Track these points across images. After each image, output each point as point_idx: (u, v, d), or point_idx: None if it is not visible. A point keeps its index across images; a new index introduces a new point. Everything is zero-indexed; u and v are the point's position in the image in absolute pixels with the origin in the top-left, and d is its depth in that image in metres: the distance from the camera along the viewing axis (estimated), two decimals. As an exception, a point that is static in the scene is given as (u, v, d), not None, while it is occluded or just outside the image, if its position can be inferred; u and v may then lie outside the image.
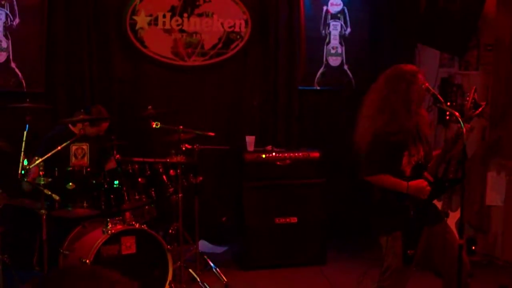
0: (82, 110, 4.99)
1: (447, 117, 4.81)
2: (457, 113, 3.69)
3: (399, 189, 3.79)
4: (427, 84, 3.88)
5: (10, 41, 5.76)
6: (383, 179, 3.83)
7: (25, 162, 4.30)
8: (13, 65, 5.78)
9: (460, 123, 3.64)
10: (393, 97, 3.84)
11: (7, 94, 5.71)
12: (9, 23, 5.75)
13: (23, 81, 5.82)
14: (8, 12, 5.74)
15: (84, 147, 5.00)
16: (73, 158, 4.95)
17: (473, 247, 6.09)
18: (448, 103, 3.85)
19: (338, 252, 6.31)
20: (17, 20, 5.77)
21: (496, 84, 6.21)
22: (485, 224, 6.25)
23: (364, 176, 3.89)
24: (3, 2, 5.72)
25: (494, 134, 6.19)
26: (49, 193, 4.31)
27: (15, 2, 5.75)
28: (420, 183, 3.80)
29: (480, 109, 3.82)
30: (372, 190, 3.95)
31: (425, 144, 3.93)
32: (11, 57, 5.77)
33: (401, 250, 3.78)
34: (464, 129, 3.63)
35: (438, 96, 3.86)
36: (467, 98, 3.85)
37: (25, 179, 4.37)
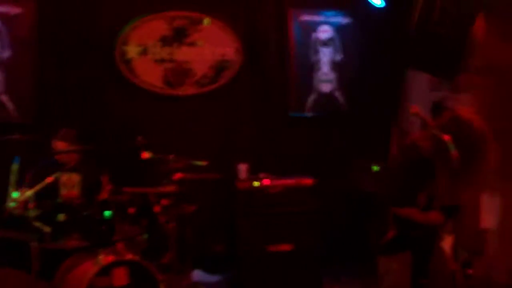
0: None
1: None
2: (446, 137, 3.69)
3: (418, 221, 3.84)
4: (416, 109, 3.90)
5: (0, 73, 5.76)
6: (408, 212, 3.88)
7: (15, 194, 4.27)
8: (3, 97, 5.78)
9: (450, 147, 3.64)
10: None
11: (-3, 126, 5.70)
12: (0, 56, 5.76)
13: (14, 113, 5.81)
14: (-2, 45, 5.77)
15: (75, 177, 4.98)
16: (63, 189, 4.92)
17: (469, 271, 6.04)
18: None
19: (334, 279, 6.25)
20: (7, 53, 5.79)
21: (487, 107, 6.22)
22: (479, 247, 6.21)
23: (391, 205, 3.94)
24: (-7, 35, 5.75)
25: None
26: (40, 225, 4.27)
27: (5, 35, 5.77)
28: (437, 216, 3.93)
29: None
30: (385, 217, 3.98)
31: None
32: (1, 89, 5.76)
33: (407, 275, 3.80)
34: (454, 152, 3.62)
35: (427, 120, 3.87)
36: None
37: (15, 212, 4.33)
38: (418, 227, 3.89)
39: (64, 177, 4.93)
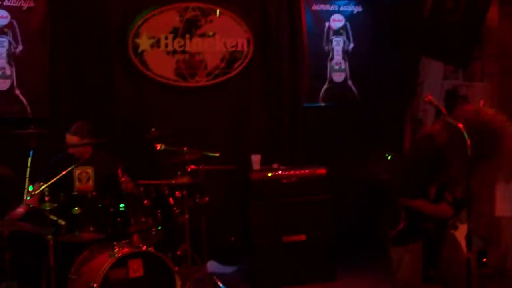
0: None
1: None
2: (460, 125, 3.66)
3: (428, 213, 3.83)
4: (430, 97, 3.87)
5: (13, 68, 5.79)
6: (417, 203, 3.89)
7: (30, 188, 4.31)
8: (17, 92, 5.81)
9: (464, 134, 3.61)
10: None
11: (12, 120, 5.73)
12: (13, 50, 5.79)
13: (28, 107, 5.85)
14: (11, 39, 5.78)
15: (89, 170, 5.02)
16: (77, 182, 4.96)
17: (484, 260, 6.02)
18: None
19: (348, 268, 6.25)
20: (20, 47, 5.81)
21: (501, 94, 6.19)
22: (495, 235, 6.19)
23: (401, 197, 3.92)
24: (6, 30, 5.77)
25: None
26: (55, 218, 4.31)
27: (17, 29, 5.80)
28: (447, 207, 3.92)
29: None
30: (396, 208, 3.97)
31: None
32: (15, 84, 5.80)
33: (419, 266, 3.80)
34: (468, 140, 3.60)
35: (441, 108, 3.84)
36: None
37: (30, 205, 4.37)
38: (429, 218, 3.88)
39: (78, 171, 4.96)
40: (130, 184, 5.02)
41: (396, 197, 3.94)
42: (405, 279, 3.86)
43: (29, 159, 4.44)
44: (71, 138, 5.15)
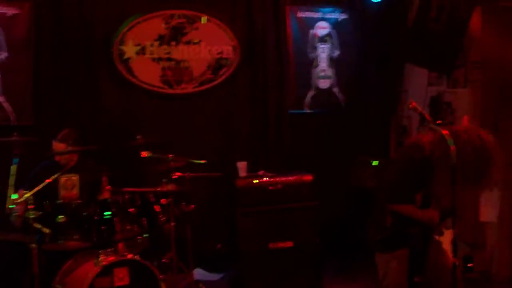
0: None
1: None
2: (445, 132, 3.69)
3: (415, 218, 3.83)
4: (414, 104, 3.89)
5: (-3, 75, 5.77)
6: (405, 209, 3.89)
7: (14, 196, 4.27)
8: (1, 99, 5.77)
9: (449, 142, 3.63)
10: None
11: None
12: (-3, 57, 5.76)
13: (12, 114, 5.81)
14: (-5, 46, 5.76)
15: (74, 178, 4.98)
16: (63, 190, 4.92)
17: (470, 264, 6.05)
18: (438, 121, 3.83)
19: (334, 275, 6.26)
20: (4, 54, 5.78)
21: (484, 100, 6.23)
22: (480, 240, 6.22)
23: (389, 202, 3.92)
24: (-10, 37, 5.74)
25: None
26: (39, 226, 4.27)
27: (2, 36, 5.76)
28: (433, 213, 3.92)
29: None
30: (383, 214, 3.97)
31: None
32: (-1, 91, 5.77)
33: (405, 273, 3.81)
34: (452, 148, 3.62)
35: (425, 115, 3.86)
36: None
37: (14, 213, 4.33)
38: (415, 224, 3.89)
39: (64, 178, 4.92)
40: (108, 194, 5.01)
41: (385, 203, 3.94)
42: (391, 285, 3.86)
43: (13, 167, 4.40)
44: (58, 146, 5.11)
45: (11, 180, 4.34)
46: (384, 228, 3.99)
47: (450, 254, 4.09)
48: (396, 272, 3.86)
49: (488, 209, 6.13)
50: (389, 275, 3.89)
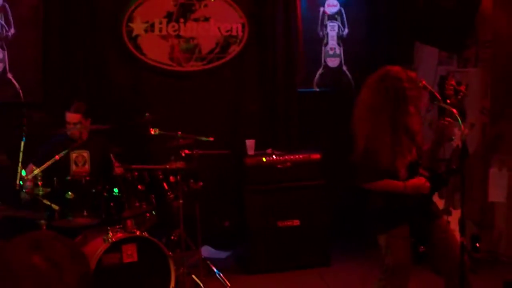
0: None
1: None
2: (454, 110, 3.67)
3: (398, 191, 3.78)
4: (424, 82, 3.86)
5: (6, 52, 5.75)
6: (381, 185, 3.82)
7: (23, 173, 4.29)
8: (9, 76, 5.78)
9: (458, 120, 3.62)
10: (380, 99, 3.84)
11: (5, 105, 5.70)
12: (5, 34, 5.75)
13: (21, 91, 5.82)
14: (3, 23, 5.74)
15: (85, 154, 5.00)
16: (74, 166, 4.94)
17: (477, 244, 6.05)
18: (448, 101, 3.80)
19: (342, 253, 6.27)
20: (12, 31, 5.77)
21: (495, 80, 6.19)
22: (488, 220, 6.22)
23: (361, 184, 3.88)
24: (-2, 13, 5.73)
25: (495, 130, 6.16)
26: (48, 203, 4.29)
27: (9, 13, 5.75)
28: (418, 180, 3.81)
29: (461, 93, 3.79)
30: (372, 195, 3.93)
31: (416, 142, 3.89)
32: (7, 68, 5.76)
33: (407, 249, 3.79)
34: (463, 126, 3.61)
35: (435, 93, 3.84)
36: (447, 85, 3.83)
37: (24, 190, 4.35)
38: (404, 198, 3.81)
39: (75, 154, 4.93)
40: (120, 169, 5.00)
41: (359, 185, 3.91)
42: (393, 263, 3.85)
43: (22, 143, 4.41)
44: (73, 116, 5.05)
45: (21, 156, 4.36)
46: (374, 209, 3.95)
47: (457, 233, 4.09)
48: (396, 250, 3.83)
49: (496, 190, 6.12)
50: (390, 254, 3.88)
